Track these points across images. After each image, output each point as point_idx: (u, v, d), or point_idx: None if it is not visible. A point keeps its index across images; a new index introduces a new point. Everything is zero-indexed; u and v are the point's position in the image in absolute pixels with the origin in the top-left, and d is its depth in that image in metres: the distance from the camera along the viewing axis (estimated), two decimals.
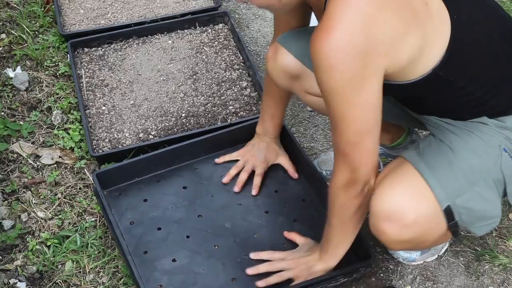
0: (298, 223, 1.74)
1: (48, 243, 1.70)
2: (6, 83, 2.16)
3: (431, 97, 1.33)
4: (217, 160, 1.87)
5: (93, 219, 1.77)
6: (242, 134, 1.91)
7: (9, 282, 1.62)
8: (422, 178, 1.31)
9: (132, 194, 1.78)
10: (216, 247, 1.67)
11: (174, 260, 1.63)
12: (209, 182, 1.83)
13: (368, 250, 1.60)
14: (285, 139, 1.89)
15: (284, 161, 1.85)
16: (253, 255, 1.63)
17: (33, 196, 1.82)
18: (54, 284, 1.64)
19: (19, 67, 2.21)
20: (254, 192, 1.79)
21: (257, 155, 1.82)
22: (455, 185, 1.31)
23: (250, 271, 1.59)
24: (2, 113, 2.06)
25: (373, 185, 1.34)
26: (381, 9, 1.15)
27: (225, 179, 1.82)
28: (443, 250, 1.70)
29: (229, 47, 2.31)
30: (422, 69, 1.24)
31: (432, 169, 1.31)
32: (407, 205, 1.30)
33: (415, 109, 1.44)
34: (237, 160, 1.85)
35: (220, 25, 2.40)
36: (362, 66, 1.16)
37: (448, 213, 1.31)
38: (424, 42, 1.21)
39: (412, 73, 1.25)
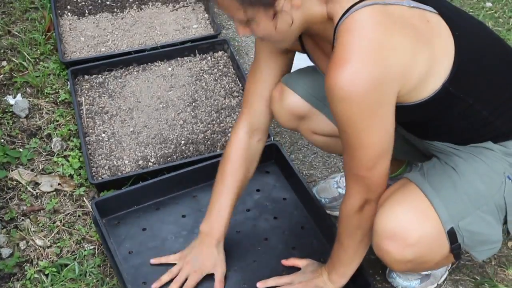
0: (297, 250, 1.73)
1: (47, 272, 1.69)
2: (6, 110, 2.17)
3: (440, 116, 1.33)
4: (152, 261, 1.67)
5: (91, 247, 1.76)
6: None
7: None
8: (426, 198, 1.31)
9: (131, 222, 1.78)
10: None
11: None
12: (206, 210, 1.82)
13: (367, 278, 1.60)
14: (284, 166, 1.89)
15: (218, 272, 1.61)
16: (260, 284, 1.61)
17: (31, 224, 1.82)
18: None
19: (19, 94, 2.23)
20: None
21: (191, 262, 1.60)
22: (460, 207, 1.31)
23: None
24: (2, 140, 2.06)
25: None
26: (389, 34, 1.17)
27: (155, 285, 1.60)
28: (443, 279, 1.69)
29: (229, 74, 2.33)
30: (432, 86, 1.25)
31: (437, 190, 1.32)
32: (411, 224, 1.30)
33: (422, 134, 1.44)
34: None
35: (220, 52, 2.43)
36: (378, 95, 1.18)
37: (451, 235, 1.31)
38: (431, 59, 1.23)
39: (423, 91, 1.26)
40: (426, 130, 1.42)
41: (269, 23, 1.22)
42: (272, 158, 1.96)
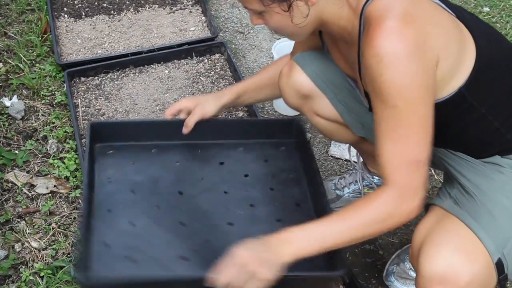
0: (281, 223, 1.61)
1: (42, 274, 1.68)
2: (2, 112, 2.16)
3: (453, 122, 1.30)
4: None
5: None
6: (258, 127, 1.84)
7: None
8: (471, 232, 1.24)
9: (120, 157, 1.71)
10: (182, 225, 1.57)
11: (132, 224, 1.54)
12: (204, 165, 1.74)
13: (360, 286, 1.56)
14: (301, 144, 1.78)
15: (196, 114, 1.65)
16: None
17: (27, 226, 1.81)
18: None
19: (15, 96, 2.22)
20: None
21: (205, 104, 1.66)
22: (501, 233, 1.24)
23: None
24: None
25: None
26: (428, 23, 1.15)
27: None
28: None
29: (226, 77, 2.33)
30: (450, 87, 1.22)
31: (478, 220, 1.25)
32: (460, 265, 1.20)
33: (436, 138, 1.38)
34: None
35: (217, 55, 2.42)
36: (424, 60, 1.13)
37: (499, 266, 1.24)
38: (458, 57, 1.21)
39: (443, 90, 1.22)
40: (440, 135, 1.33)
41: (282, 16, 1.22)
42: (292, 136, 1.81)
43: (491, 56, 1.27)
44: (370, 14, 1.17)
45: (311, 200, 1.67)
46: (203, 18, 2.60)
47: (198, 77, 2.32)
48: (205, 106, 1.65)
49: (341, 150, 2.09)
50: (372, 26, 1.14)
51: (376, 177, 1.81)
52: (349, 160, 1.95)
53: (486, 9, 2.81)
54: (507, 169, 1.30)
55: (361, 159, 1.84)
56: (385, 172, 1.19)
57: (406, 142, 1.16)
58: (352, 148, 1.82)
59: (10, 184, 1.93)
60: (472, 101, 1.25)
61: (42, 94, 2.23)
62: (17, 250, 1.75)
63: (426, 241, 1.25)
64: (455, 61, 1.20)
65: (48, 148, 2.04)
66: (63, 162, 2.00)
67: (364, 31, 1.19)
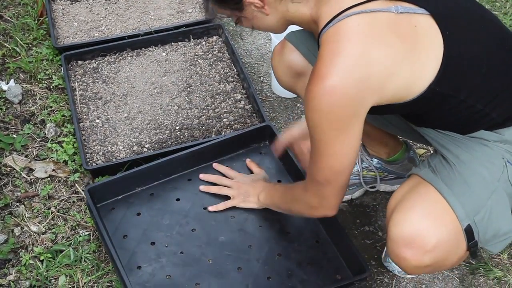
0: (292, 234, 1.73)
1: (42, 258, 1.69)
2: None
3: (432, 111, 1.33)
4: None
5: (86, 233, 1.76)
6: (235, 144, 1.91)
7: None
8: (441, 197, 1.29)
9: (126, 208, 1.78)
10: (210, 261, 1.66)
11: (168, 277, 1.62)
12: (202, 194, 1.82)
13: (362, 264, 1.60)
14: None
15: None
16: (203, 176, 1.83)
17: (26, 210, 1.81)
18: None
19: (12, 80, 2.21)
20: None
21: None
22: (474, 201, 1.29)
23: (203, 183, 1.82)
24: None
25: (334, 215, 1.42)
26: (371, 48, 1.19)
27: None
28: None
29: (223, 59, 2.31)
30: (417, 89, 1.25)
31: (451, 187, 1.30)
32: (427, 229, 1.27)
33: (416, 122, 1.44)
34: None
35: (214, 37, 2.41)
36: (350, 110, 1.21)
37: (469, 232, 1.28)
38: (415, 66, 1.23)
39: (408, 95, 1.26)
40: (421, 121, 1.41)
41: (247, 22, 1.37)
42: (265, 139, 1.96)
43: (467, 44, 1.28)
44: (322, 44, 1.23)
45: None
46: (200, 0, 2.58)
47: (196, 59, 2.31)
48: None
49: None
50: (318, 63, 1.21)
51: (375, 160, 1.81)
52: None
53: None
54: (491, 142, 1.33)
55: (360, 141, 1.83)
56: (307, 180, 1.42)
57: (315, 165, 1.33)
58: None
59: (9, 168, 1.93)
60: (448, 92, 1.27)
61: (39, 78, 2.22)
62: (17, 234, 1.76)
63: (397, 206, 1.33)
64: (413, 68, 1.22)
65: (46, 132, 2.04)
66: (62, 146, 1.99)
67: (318, 47, 1.26)
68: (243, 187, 1.76)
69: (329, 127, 1.23)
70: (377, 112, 1.31)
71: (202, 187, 1.81)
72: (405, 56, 1.21)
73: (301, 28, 1.56)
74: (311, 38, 1.55)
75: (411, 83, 1.24)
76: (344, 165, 1.30)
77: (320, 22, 1.25)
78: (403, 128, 1.56)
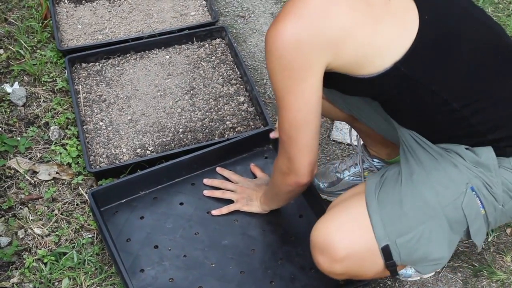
0: (295, 238, 1.74)
1: (45, 260, 1.69)
2: (3, 98, 2.16)
3: (403, 99, 1.30)
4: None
5: (90, 236, 1.77)
6: (239, 148, 1.91)
7: None
8: (367, 213, 1.31)
9: (129, 211, 1.78)
10: (212, 265, 1.67)
11: (171, 280, 1.63)
12: (205, 198, 1.83)
13: None
14: None
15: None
16: (206, 181, 1.84)
17: (30, 213, 1.82)
18: None
19: (16, 82, 2.22)
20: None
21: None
22: (401, 224, 1.30)
23: (207, 187, 1.83)
24: (0, 129, 2.06)
25: (306, 182, 1.38)
26: (332, 3, 1.19)
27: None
28: None
29: (227, 62, 2.32)
30: (380, 63, 1.24)
31: (382, 205, 1.31)
32: (340, 240, 1.31)
33: (395, 116, 1.40)
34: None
35: (218, 40, 2.41)
36: (300, 56, 1.21)
37: (386, 252, 1.30)
38: (377, 37, 1.22)
39: (369, 66, 1.25)
40: (397, 113, 1.38)
41: None
42: (269, 142, 1.96)
43: (447, 35, 1.26)
44: None
45: (309, 206, 1.80)
46: (204, 2, 2.58)
47: (199, 62, 2.32)
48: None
49: (343, 134, 2.09)
50: (281, 11, 1.24)
51: (376, 160, 1.81)
52: (350, 144, 1.95)
53: None
54: (465, 162, 1.30)
55: (361, 142, 1.84)
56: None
57: (278, 119, 1.33)
58: (353, 131, 1.82)
59: (13, 171, 1.94)
60: (414, 76, 1.25)
61: (43, 81, 2.23)
62: (20, 236, 1.76)
63: (328, 210, 1.39)
64: (373, 38, 1.21)
65: (50, 134, 2.05)
66: (65, 149, 2.00)
67: None
68: (247, 191, 1.77)
69: (282, 74, 1.23)
70: (346, 88, 1.32)
71: (206, 192, 1.82)
72: (368, 23, 1.21)
73: None
74: None
75: (372, 53, 1.23)
76: (302, 119, 1.28)
77: None
78: (390, 130, 1.55)
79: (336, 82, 1.31)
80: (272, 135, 1.82)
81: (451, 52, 1.26)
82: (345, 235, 1.31)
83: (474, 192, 1.30)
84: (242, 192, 1.77)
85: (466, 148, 1.31)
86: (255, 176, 1.86)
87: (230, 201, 1.78)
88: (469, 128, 1.30)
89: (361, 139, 1.83)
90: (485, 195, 1.31)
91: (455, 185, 1.30)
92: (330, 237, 1.32)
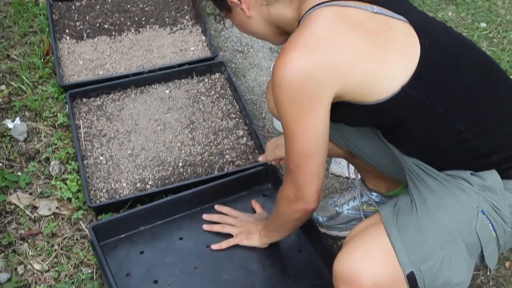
0: (294, 273, 1.74)
1: None
2: (4, 134, 2.18)
3: (410, 124, 1.32)
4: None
5: (89, 271, 1.77)
6: (238, 185, 1.93)
7: None
8: (389, 240, 1.30)
9: (129, 246, 1.78)
10: None
11: None
12: (205, 233, 1.83)
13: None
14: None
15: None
16: (206, 216, 1.85)
17: (29, 248, 1.82)
18: None
19: (18, 118, 2.24)
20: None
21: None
22: (422, 250, 1.29)
23: (206, 222, 1.84)
24: (0, 164, 2.07)
25: (313, 208, 1.40)
26: (336, 32, 1.23)
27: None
28: None
29: (226, 96, 2.34)
30: (387, 87, 1.26)
31: (402, 232, 1.30)
32: (366, 270, 1.29)
33: (399, 146, 1.42)
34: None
35: (217, 74, 2.44)
36: (308, 87, 1.23)
37: (411, 278, 1.29)
38: (383, 64, 1.24)
39: (377, 93, 1.27)
40: (401, 141, 1.40)
41: (236, 22, 1.45)
42: (268, 181, 1.97)
43: (444, 60, 1.29)
44: (298, 27, 1.29)
45: (307, 241, 1.80)
46: (203, 37, 2.62)
47: (198, 96, 2.34)
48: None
49: (342, 168, 2.10)
50: (286, 42, 1.27)
51: (375, 194, 1.82)
52: (349, 178, 1.96)
53: (483, 24, 2.83)
54: (472, 187, 1.32)
55: (359, 176, 1.85)
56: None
57: (286, 149, 1.35)
58: (351, 165, 1.84)
59: (13, 206, 1.95)
60: (422, 98, 1.27)
61: (45, 116, 2.25)
62: (20, 272, 1.76)
63: (347, 242, 1.37)
64: (380, 64, 1.24)
65: (50, 169, 2.06)
66: (66, 184, 2.01)
67: None
68: (246, 224, 1.78)
69: (291, 105, 1.25)
70: (352, 118, 1.34)
71: (205, 226, 1.82)
72: (373, 50, 1.24)
73: None
74: None
75: (379, 79, 1.25)
76: (310, 149, 1.30)
77: (300, 15, 1.32)
78: (391, 170, 1.57)
79: (342, 113, 1.33)
80: (261, 159, 1.86)
81: (453, 75, 1.30)
82: (370, 264, 1.29)
83: (485, 215, 1.31)
84: (242, 226, 1.78)
85: (471, 174, 1.33)
86: (254, 211, 1.87)
87: (230, 236, 1.78)
88: (474, 150, 1.32)
89: (359, 173, 1.85)
90: (495, 218, 1.32)
91: (467, 209, 1.31)
92: (355, 267, 1.29)
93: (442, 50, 1.30)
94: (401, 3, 1.36)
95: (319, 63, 1.22)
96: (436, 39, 1.29)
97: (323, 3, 1.26)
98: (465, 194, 1.31)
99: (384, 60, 1.25)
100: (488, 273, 1.57)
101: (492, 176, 1.32)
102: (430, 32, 1.29)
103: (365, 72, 1.24)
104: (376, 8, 1.26)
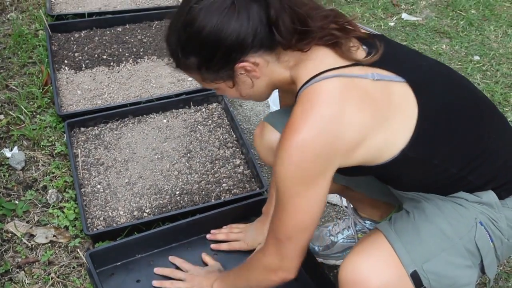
0: None
1: None
2: (2, 162, 2.19)
3: (406, 174, 1.37)
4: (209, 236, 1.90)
5: None
6: (234, 215, 1.94)
7: None
8: (389, 243, 1.32)
9: (125, 274, 1.78)
10: None
11: None
12: (201, 263, 1.83)
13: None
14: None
15: (243, 243, 1.86)
16: (157, 270, 1.79)
17: (26, 276, 1.82)
18: None
19: (16, 147, 2.25)
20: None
21: (248, 233, 1.84)
22: (423, 250, 1.31)
23: (156, 283, 1.76)
24: None
25: (293, 278, 1.38)
26: (344, 111, 1.21)
27: (210, 235, 1.89)
28: None
29: (223, 125, 2.37)
30: (388, 153, 1.29)
31: (400, 234, 1.33)
32: (371, 272, 1.30)
33: (393, 185, 1.47)
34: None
35: (214, 104, 2.47)
36: (316, 167, 1.23)
37: (415, 278, 1.30)
38: (387, 134, 1.26)
39: (378, 158, 1.30)
40: (396, 183, 1.45)
41: (233, 91, 1.36)
42: None
43: (440, 111, 1.32)
44: (298, 102, 1.26)
45: (303, 269, 1.77)
46: None
47: (196, 126, 2.37)
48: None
49: (338, 196, 2.11)
50: (292, 118, 1.24)
51: (368, 222, 1.83)
52: (342, 207, 1.97)
53: (477, 57, 2.88)
54: (469, 202, 1.35)
55: (351, 206, 1.86)
56: (266, 240, 1.40)
57: (277, 221, 1.33)
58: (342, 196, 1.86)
59: (10, 234, 1.95)
60: (420, 157, 1.30)
61: (43, 145, 2.27)
62: None
63: (350, 252, 1.36)
64: (384, 136, 1.26)
65: (48, 198, 2.06)
66: (63, 212, 2.01)
67: (294, 105, 1.28)
68: (196, 279, 1.72)
69: (296, 182, 1.25)
70: (348, 173, 1.33)
71: (155, 283, 1.76)
72: (379, 124, 1.25)
73: (277, 109, 1.62)
74: (287, 116, 1.58)
75: (382, 149, 1.28)
76: (307, 223, 1.30)
77: (298, 82, 1.29)
78: (385, 192, 1.59)
79: (338, 170, 1.33)
80: (209, 237, 1.85)
81: (446, 127, 1.33)
82: (375, 267, 1.30)
83: (483, 226, 1.33)
84: (192, 280, 1.73)
85: (465, 192, 1.37)
86: (206, 265, 1.84)
87: None
88: (468, 185, 1.35)
89: (351, 204, 1.86)
90: (492, 229, 1.34)
91: (466, 219, 1.33)
92: (360, 272, 1.30)
93: (436, 104, 1.32)
94: (400, 55, 1.38)
95: (328, 142, 1.22)
96: (431, 95, 1.32)
97: (326, 71, 1.25)
98: (462, 207, 1.35)
99: (387, 130, 1.26)
100: (489, 284, 1.57)
101: (488, 194, 1.35)
102: (425, 88, 1.31)
103: (370, 145, 1.26)
104: (376, 75, 1.27)
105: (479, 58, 2.88)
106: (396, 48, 1.41)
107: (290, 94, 1.44)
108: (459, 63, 2.83)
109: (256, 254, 1.45)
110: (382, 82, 1.27)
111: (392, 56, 1.33)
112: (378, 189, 1.62)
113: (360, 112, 1.23)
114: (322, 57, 1.27)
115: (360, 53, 1.30)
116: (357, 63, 1.26)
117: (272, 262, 1.38)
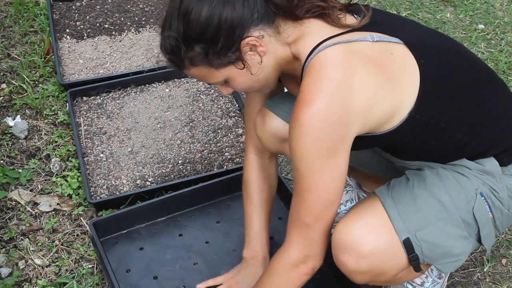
0: None
1: None
2: (5, 131, 2.19)
3: (413, 141, 1.37)
4: (199, 286, 1.67)
5: (90, 266, 1.78)
6: (237, 183, 1.94)
7: None
8: (384, 210, 1.33)
9: (129, 242, 1.80)
10: None
11: None
12: (205, 229, 1.85)
13: None
14: (281, 186, 1.90)
15: None
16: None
17: (30, 244, 1.84)
18: None
19: (18, 116, 2.26)
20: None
21: (241, 283, 1.66)
22: (417, 218, 1.32)
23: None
24: (1, 161, 2.09)
25: (321, 265, 1.36)
26: (352, 75, 1.21)
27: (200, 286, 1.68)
28: None
29: (225, 95, 2.36)
30: (398, 117, 1.29)
31: (396, 201, 1.34)
32: (363, 236, 1.31)
33: (398, 155, 1.47)
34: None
35: None
36: (336, 135, 1.22)
37: (408, 245, 1.32)
38: (396, 93, 1.26)
39: (389, 123, 1.29)
40: (402, 152, 1.45)
41: (243, 76, 1.30)
42: None
43: (441, 72, 1.32)
44: (305, 75, 1.24)
45: None
46: None
47: (198, 95, 2.36)
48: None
49: None
50: (302, 92, 1.22)
51: None
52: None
53: (481, 26, 2.86)
54: (471, 171, 1.36)
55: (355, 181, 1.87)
56: (287, 230, 1.34)
57: (301, 204, 1.29)
58: None
59: (14, 202, 1.96)
60: (428, 119, 1.31)
61: (45, 114, 2.27)
62: (21, 267, 1.78)
63: (344, 217, 1.37)
64: (394, 96, 1.26)
65: (51, 166, 2.08)
66: (66, 180, 2.03)
67: (302, 80, 1.26)
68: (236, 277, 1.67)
69: (316, 155, 1.23)
70: (360, 145, 1.32)
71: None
72: (386, 84, 1.25)
73: (276, 95, 1.59)
74: (286, 100, 1.56)
75: (393, 110, 1.27)
76: (332, 198, 1.29)
77: (301, 56, 1.28)
78: (382, 168, 1.60)
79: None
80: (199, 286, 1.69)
81: (449, 89, 1.33)
82: (367, 231, 1.32)
83: (483, 198, 1.35)
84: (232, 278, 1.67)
85: (468, 160, 1.38)
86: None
87: (215, 274, 1.72)
88: (472, 151, 1.37)
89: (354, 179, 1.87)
90: (493, 200, 1.36)
91: (466, 191, 1.35)
92: (353, 234, 1.31)
93: (436, 66, 1.32)
94: (392, 21, 1.38)
95: (343, 109, 1.21)
96: (429, 56, 1.32)
97: (324, 40, 1.24)
98: (465, 177, 1.36)
99: (396, 91, 1.26)
100: (486, 255, 1.60)
101: (490, 162, 1.37)
102: (423, 50, 1.31)
103: (384, 108, 1.26)
104: (375, 36, 1.26)
105: (483, 26, 2.85)
106: (388, 15, 1.42)
107: (293, 80, 1.43)
108: (464, 32, 2.81)
109: (275, 258, 1.39)
110: (382, 43, 1.27)
111: (384, 21, 1.33)
112: (381, 167, 1.62)
113: (367, 74, 1.22)
114: (317, 29, 1.27)
115: (350, 18, 1.30)
116: (352, 30, 1.27)
117: (299, 254, 1.34)
